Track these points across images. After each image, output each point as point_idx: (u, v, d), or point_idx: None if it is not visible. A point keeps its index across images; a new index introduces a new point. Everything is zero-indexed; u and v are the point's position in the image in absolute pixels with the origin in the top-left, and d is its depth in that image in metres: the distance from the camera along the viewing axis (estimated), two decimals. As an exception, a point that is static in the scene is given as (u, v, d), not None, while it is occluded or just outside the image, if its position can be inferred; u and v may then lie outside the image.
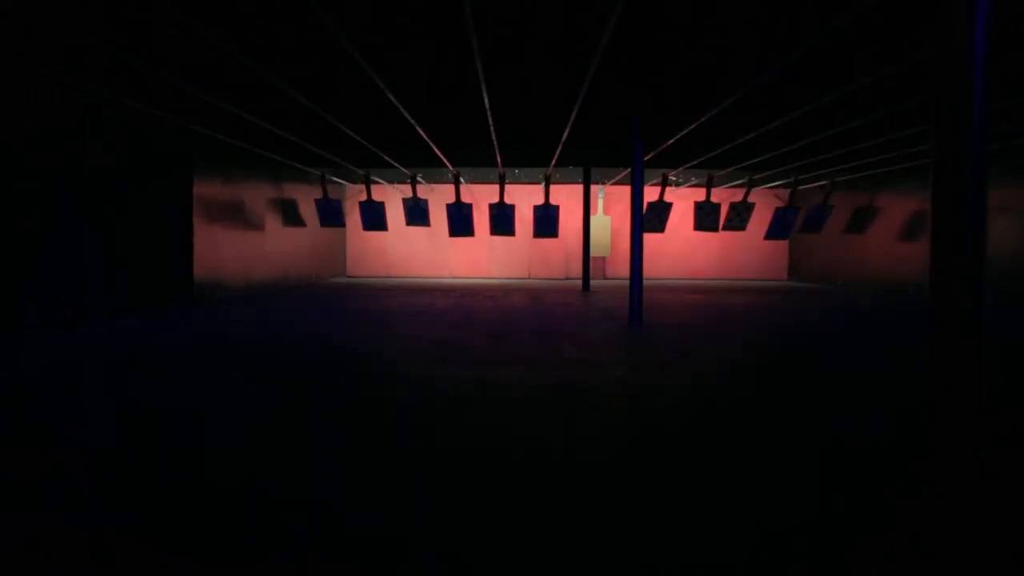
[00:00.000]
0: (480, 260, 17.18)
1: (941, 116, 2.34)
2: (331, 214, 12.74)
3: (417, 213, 12.83)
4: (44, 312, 6.45)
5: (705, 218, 13.19)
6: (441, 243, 17.03)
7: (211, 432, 3.06)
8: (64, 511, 2.11)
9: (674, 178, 15.45)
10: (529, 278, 17.04)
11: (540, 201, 18.06)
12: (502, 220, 12.53)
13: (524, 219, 16.80)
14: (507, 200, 12.78)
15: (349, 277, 16.89)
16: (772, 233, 13.80)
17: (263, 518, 2.08)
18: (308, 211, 13.53)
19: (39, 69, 5.88)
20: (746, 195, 13.45)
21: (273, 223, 11.90)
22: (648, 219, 12.67)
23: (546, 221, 12.82)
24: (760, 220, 15.58)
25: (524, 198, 16.63)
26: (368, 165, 11.82)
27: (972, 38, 2.26)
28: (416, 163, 11.74)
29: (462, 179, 15.72)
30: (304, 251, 13.74)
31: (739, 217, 13.53)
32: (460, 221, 12.48)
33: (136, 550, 1.85)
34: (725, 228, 13.49)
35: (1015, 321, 7.70)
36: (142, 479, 2.43)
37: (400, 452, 2.76)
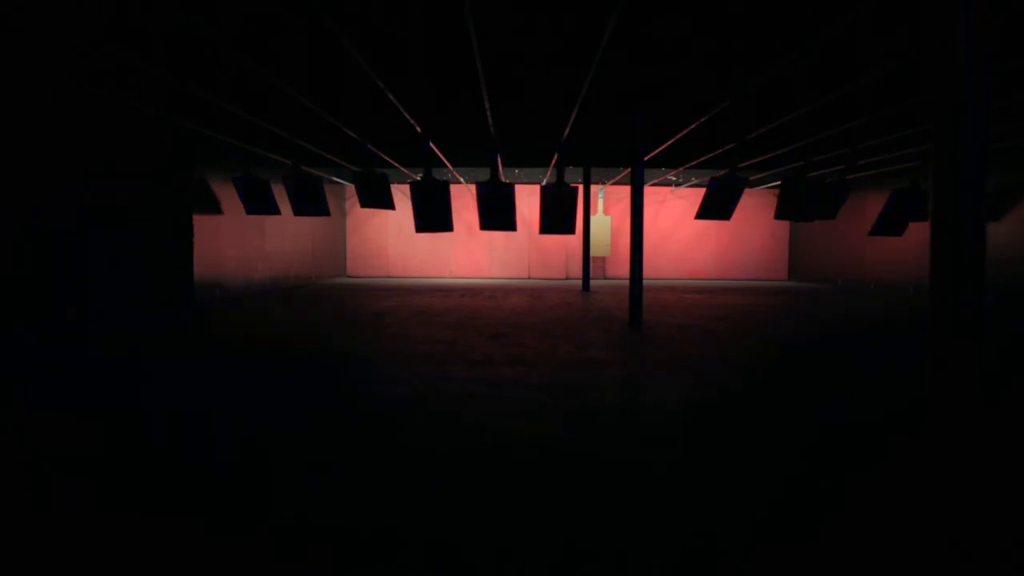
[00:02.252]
0: (480, 260, 17.16)
1: (941, 116, 2.34)
2: (256, 199, 9.57)
3: (375, 192, 9.30)
4: (44, 312, 6.44)
5: (792, 202, 9.09)
6: (441, 243, 17.01)
7: (219, 433, 3.06)
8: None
9: (673, 178, 15.46)
10: (529, 278, 17.03)
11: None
12: (497, 207, 8.50)
13: (524, 219, 16.76)
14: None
15: (349, 277, 16.88)
16: (883, 226, 9.65)
17: (260, 502, 2.08)
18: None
19: (39, 70, 5.88)
20: (844, 175, 9.75)
21: (273, 223, 11.89)
22: (710, 202, 9.07)
23: (559, 209, 8.72)
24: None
25: (524, 198, 16.58)
26: (367, 165, 11.79)
27: (973, 37, 2.26)
28: (416, 163, 11.73)
29: (461, 179, 15.63)
30: (304, 251, 13.73)
31: (829, 203, 9.66)
32: (432, 208, 8.43)
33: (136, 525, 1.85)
34: (811, 217, 9.60)
35: (1013, 320, 7.69)
36: (141, 473, 2.43)
37: (399, 451, 2.75)
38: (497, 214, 8.58)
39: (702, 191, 16.88)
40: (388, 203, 9.54)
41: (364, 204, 9.31)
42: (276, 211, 9.89)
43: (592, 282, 15.87)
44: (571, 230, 8.72)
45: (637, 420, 3.30)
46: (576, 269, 16.99)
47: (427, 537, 1.95)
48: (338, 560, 1.80)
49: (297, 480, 2.42)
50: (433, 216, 8.45)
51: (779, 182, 14.56)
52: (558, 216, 8.69)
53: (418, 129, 8.02)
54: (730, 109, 7.18)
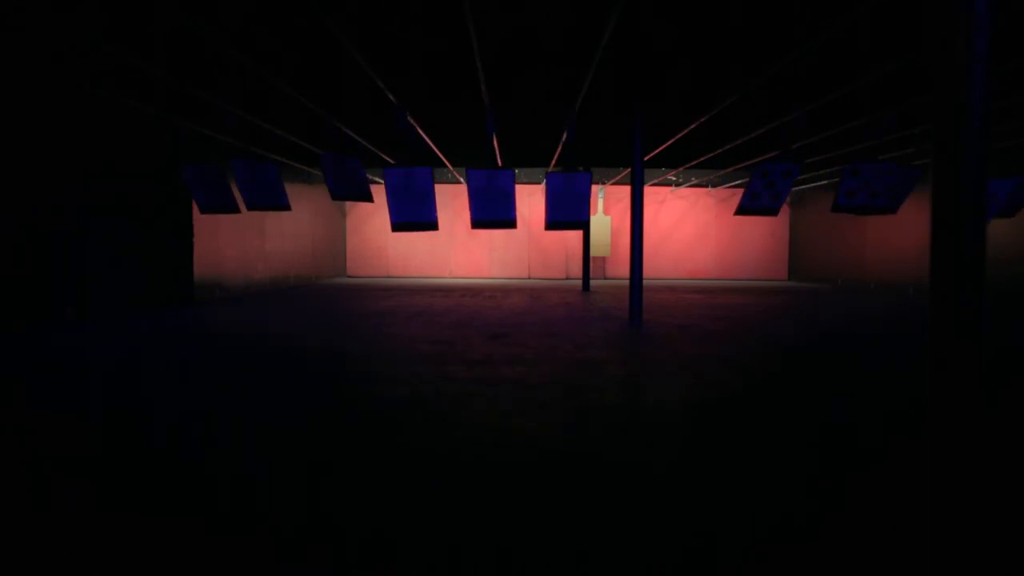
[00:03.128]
0: (480, 260, 17.15)
1: (941, 116, 2.34)
2: (211, 194, 7.83)
3: (348, 182, 7.60)
4: (45, 311, 6.44)
5: (858, 192, 7.27)
6: (441, 243, 17.00)
7: (219, 433, 3.06)
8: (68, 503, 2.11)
9: (673, 178, 15.45)
10: (529, 278, 17.03)
11: (540, 203, 17.67)
12: (493, 199, 7.09)
13: (524, 219, 16.74)
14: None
15: (349, 277, 16.88)
16: None
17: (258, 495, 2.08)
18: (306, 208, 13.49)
19: (39, 70, 5.88)
20: (913, 158, 7.95)
21: (273, 223, 11.90)
22: (755, 191, 7.49)
23: (569, 199, 7.17)
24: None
25: (523, 198, 16.56)
26: (368, 165, 11.80)
27: (973, 37, 2.26)
28: (415, 163, 11.70)
29: (461, 179, 15.57)
30: (304, 251, 13.74)
31: (890, 192, 7.61)
32: (410, 200, 7.00)
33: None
34: (869, 211, 7.56)
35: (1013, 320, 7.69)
36: (147, 467, 2.43)
37: (399, 451, 2.75)
38: (494, 207, 7.14)
39: (702, 191, 16.90)
40: (364, 194, 7.92)
41: (336, 195, 7.53)
42: (234, 208, 8.06)
43: (592, 282, 15.88)
44: (583, 223, 7.24)
45: (637, 420, 3.30)
46: (576, 269, 17.00)
47: (427, 537, 1.95)
48: (338, 560, 1.80)
49: (297, 480, 2.42)
50: (412, 211, 6.99)
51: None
52: (568, 206, 7.21)
53: (392, 98, 6.61)
54: (731, 108, 7.17)
